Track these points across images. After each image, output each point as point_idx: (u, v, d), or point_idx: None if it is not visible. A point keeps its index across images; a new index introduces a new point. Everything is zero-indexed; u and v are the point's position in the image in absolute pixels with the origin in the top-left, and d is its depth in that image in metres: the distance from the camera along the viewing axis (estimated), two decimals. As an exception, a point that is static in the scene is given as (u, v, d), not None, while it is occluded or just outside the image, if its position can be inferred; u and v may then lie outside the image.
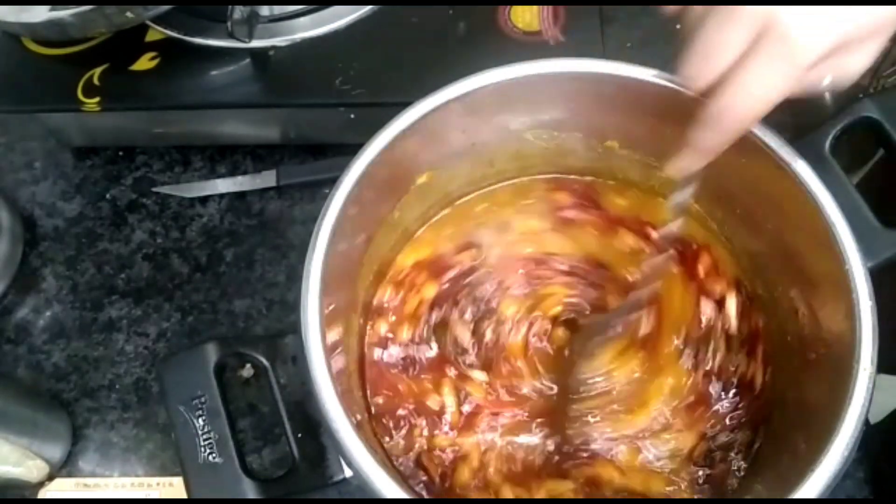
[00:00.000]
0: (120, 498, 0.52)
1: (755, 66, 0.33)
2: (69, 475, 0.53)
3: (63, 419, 0.54)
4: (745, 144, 0.41)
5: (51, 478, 0.52)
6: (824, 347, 0.41)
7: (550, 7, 0.58)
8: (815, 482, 0.35)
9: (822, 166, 0.41)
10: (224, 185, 0.62)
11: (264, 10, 0.57)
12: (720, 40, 0.34)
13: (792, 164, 0.40)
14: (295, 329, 0.38)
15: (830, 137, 0.42)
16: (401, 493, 0.35)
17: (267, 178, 0.61)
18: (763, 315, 0.48)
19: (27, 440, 0.49)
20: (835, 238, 0.39)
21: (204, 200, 0.62)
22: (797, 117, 0.65)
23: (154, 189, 0.62)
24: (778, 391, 0.46)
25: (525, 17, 0.58)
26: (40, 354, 0.57)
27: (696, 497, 0.45)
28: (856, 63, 0.35)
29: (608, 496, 0.44)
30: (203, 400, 0.38)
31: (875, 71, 0.58)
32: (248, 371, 0.53)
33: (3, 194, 0.60)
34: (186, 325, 0.57)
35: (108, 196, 0.62)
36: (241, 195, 0.62)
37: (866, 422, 0.36)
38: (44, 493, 0.52)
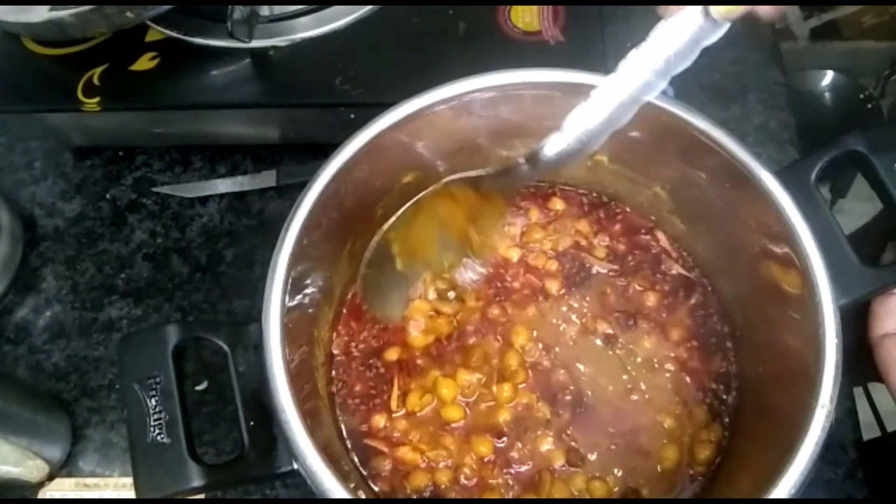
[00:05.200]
0: (120, 498, 0.52)
1: None
2: (69, 475, 0.53)
3: (63, 419, 0.54)
4: (731, 170, 0.41)
5: (51, 478, 0.52)
6: (790, 381, 0.41)
7: (550, 7, 0.58)
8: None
9: (805, 197, 0.41)
10: (224, 185, 0.62)
11: (264, 10, 0.57)
12: None
13: (774, 194, 0.40)
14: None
15: (817, 169, 0.42)
16: (341, 490, 0.36)
17: (267, 178, 0.61)
18: (738, 343, 0.48)
19: (27, 440, 0.49)
20: (808, 271, 0.39)
21: (204, 200, 0.62)
22: (799, 116, 0.65)
23: (154, 189, 0.62)
24: (745, 417, 0.46)
25: (525, 17, 0.58)
26: (40, 354, 0.57)
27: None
28: None
29: None
30: (158, 380, 0.38)
31: (876, 72, 0.59)
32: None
33: (3, 194, 0.60)
34: (186, 325, 0.57)
35: (108, 196, 0.62)
36: (241, 195, 0.62)
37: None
38: (44, 493, 0.52)
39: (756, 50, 0.66)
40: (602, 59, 0.56)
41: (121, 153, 0.64)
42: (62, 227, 0.61)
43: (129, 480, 0.53)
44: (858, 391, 0.71)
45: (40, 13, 0.50)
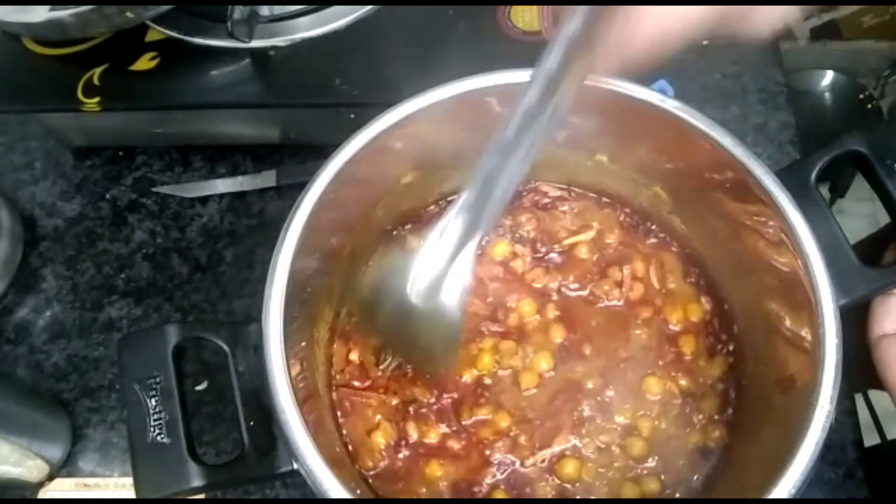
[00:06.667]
0: (120, 498, 0.52)
1: None
2: (69, 475, 0.53)
3: (63, 419, 0.54)
4: (731, 170, 0.41)
5: (51, 478, 0.52)
6: (790, 381, 0.41)
7: (550, 7, 0.58)
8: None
9: (805, 197, 0.41)
10: (224, 185, 0.62)
11: (264, 10, 0.57)
12: None
13: (774, 194, 0.40)
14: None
15: (817, 168, 0.42)
16: (341, 490, 0.36)
17: (267, 178, 0.61)
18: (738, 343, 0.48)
19: (27, 440, 0.49)
20: (808, 270, 0.39)
21: (204, 200, 0.62)
22: (799, 116, 0.65)
23: (154, 189, 0.62)
24: (745, 417, 0.46)
25: (525, 17, 0.58)
26: (40, 354, 0.57)
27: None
28: None
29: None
30: (158, 380, 0.38)
31: (876, 72, 0.59)
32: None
33: (3, 194, 0.60)
34: (186, 325, 0.57)
35: (108, 196, 0.62)
36: (241, 195, 0.62)
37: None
38: (44, 493, 0.52)
39: (756, 50, 0.66)
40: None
41: (121, 153, 0.64)
42: (62, 227, 0.61)
43: (129, 480, 0.53)
44: (859, 396, 0.71)
45: (40, 13, 0.50)
